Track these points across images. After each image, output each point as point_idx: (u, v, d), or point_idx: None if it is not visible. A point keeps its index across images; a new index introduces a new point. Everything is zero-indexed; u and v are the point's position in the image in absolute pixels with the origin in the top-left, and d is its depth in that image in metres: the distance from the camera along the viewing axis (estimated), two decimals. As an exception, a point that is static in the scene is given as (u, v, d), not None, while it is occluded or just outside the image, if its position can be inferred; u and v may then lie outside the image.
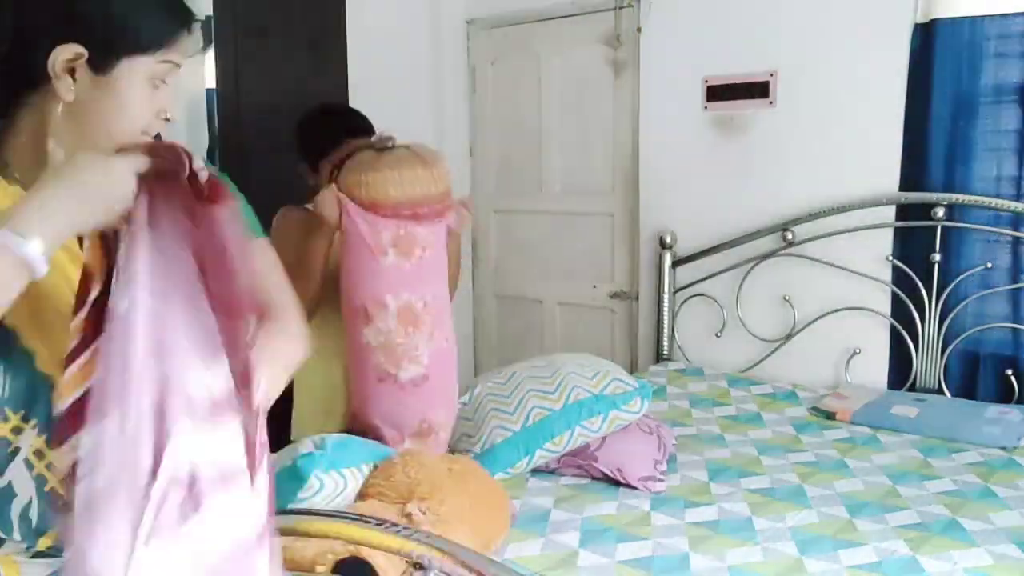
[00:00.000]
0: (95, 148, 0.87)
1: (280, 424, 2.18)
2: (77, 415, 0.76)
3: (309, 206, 2.20)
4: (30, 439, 0.91)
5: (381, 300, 1.93)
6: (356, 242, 1.92)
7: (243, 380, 0.83)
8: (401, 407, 1.97)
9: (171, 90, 0.94)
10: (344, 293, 1.98)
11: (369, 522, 1.18)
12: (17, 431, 0.90)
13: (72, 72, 0.89)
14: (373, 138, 2.01)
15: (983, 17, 2.54)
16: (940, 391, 2.71)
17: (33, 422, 0.90)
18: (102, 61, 0.90)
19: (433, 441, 2.05)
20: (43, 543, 0.93)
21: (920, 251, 2.71)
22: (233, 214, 0.85)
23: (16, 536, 0.92)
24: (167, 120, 0.95)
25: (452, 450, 2.17)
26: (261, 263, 1.09)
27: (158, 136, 0.96)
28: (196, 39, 0.95)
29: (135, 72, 0.91)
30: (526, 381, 2.31)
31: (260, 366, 0.87)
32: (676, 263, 3.20)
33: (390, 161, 1.91)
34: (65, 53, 0.88)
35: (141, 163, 0.81)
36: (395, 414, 1.97)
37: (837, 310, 2.88)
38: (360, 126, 2.23)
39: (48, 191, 0.77)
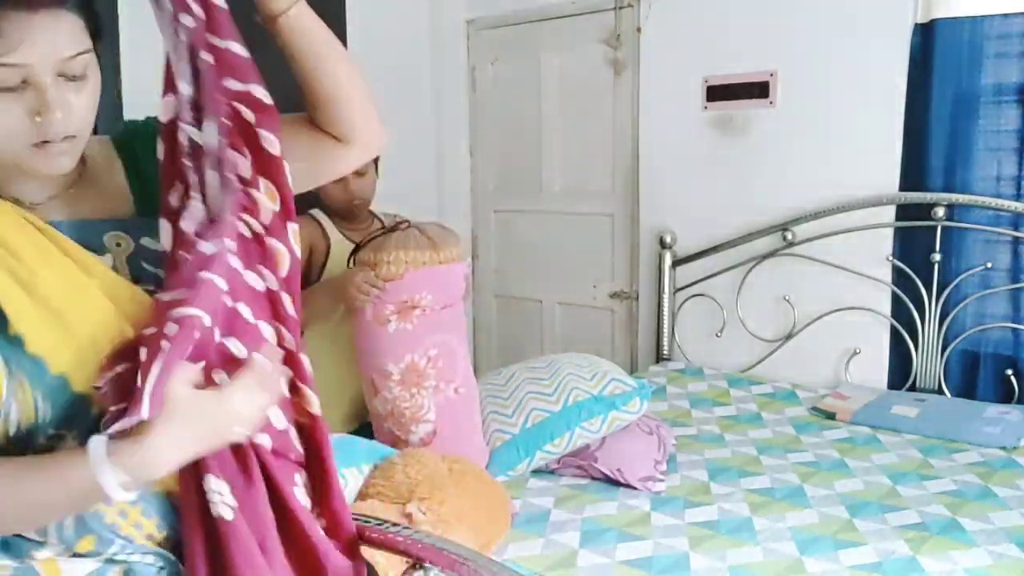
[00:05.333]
0: None
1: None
2: None
3: (314, 212, 2.24)
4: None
5: (384, 369, 1.99)
6: (361, 318, 2.01)
7: None
8: None
9: (44, 90, 0.85)
10: (357, 364, 2.07)
11: (369, 522, 1.18)
12: (58, 438, 0.89)
13: None
14: (387, 221, 2.14)
15: (983, 17, 2.54)
16: (940, 391, 2.71)
17: (73, 434, 0.90)
18: None
19: None
20: (83, 546, 0.93)
21: (920, 251, 2.71)
22: None
23: (53, 540, 0.92)
24: (42, 123, 0.85)
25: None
26: None
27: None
28: (11, 31, 0.82)
29: None
30: (525, 383, 2.31)
31: None
32: (676, 263, 3.20)
33: (398, 241, 1.99)
34: None
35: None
36: None
37: (837, 310, 2.88)
38: None
39: (167, 441, 0.85)
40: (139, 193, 1.03)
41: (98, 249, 0.96)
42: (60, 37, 0.86)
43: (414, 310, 1.99)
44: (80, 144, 0.92)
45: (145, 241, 0.99)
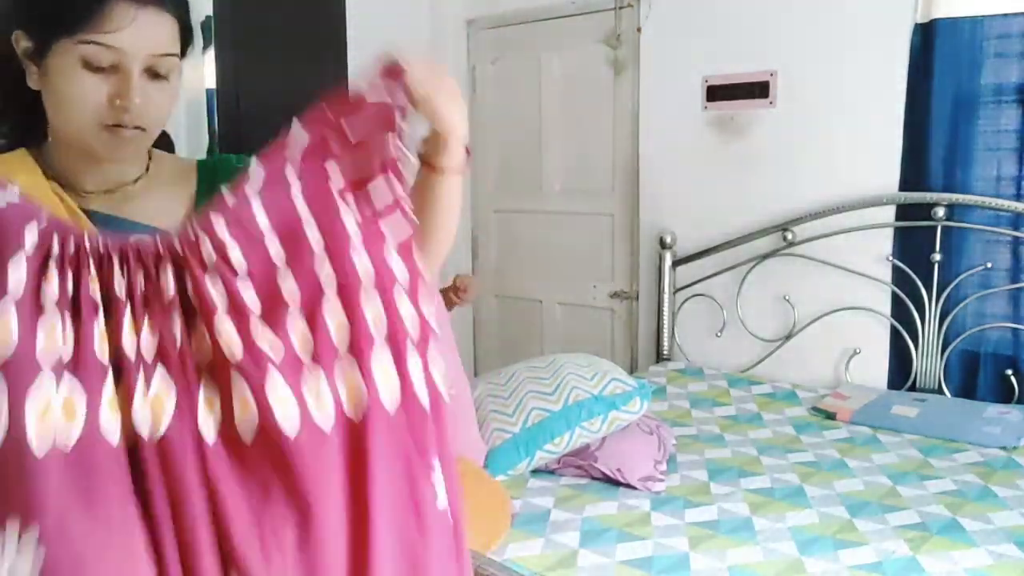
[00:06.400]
0: (65, 135, 0.94)
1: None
2: None
3: None
4: None
5: None
6: None
7: None
8: None
9: (129, 76, 0.91)
10: None
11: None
12: None
13: (32, 60, 0.93)
14: None
15: (983, 17, 2.54)
16: (940, 391, 2.71)
17: None
18: (38, 46, 0.92)
19: None
20: None
21: (920, 251, 2.71)
22: None
23: None
24: (120, 106, 0.91)
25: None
26: None
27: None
28: (119, 15, 0.89)
29: (64, 56, 0.90)
30: (525, 382, 2.31)
31: None
32: (676, 263, 3.20)
33: None
34: (21, 41, 0.93)
35: None
36: None
37: (837, 310, 2.88)
38: None
39: None
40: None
41: None
42: (157, 34, 0.93)
43: None
44: (147, 140, 0.97)
45: None
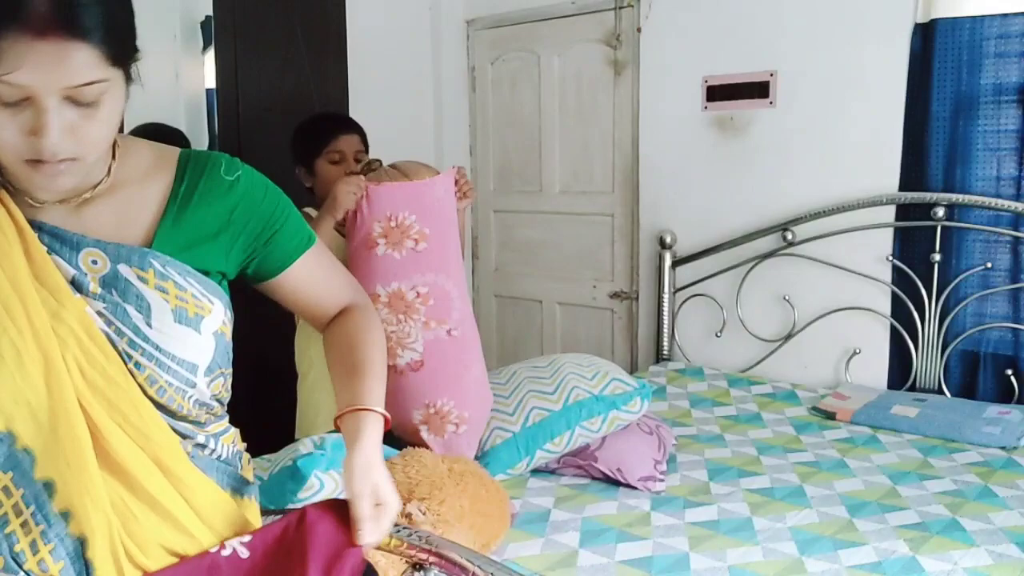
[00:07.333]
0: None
1: (282, 424, 2.18)
2: None
3: (308, 210, 2.27)
4: None
5: (372, 291, 2.02)
6: (350, 238, 2.07)
7: None
8: (401, 393, 2.05)
9: (43, 111, 0.83)
10: None
11: (369, 522, 1.18)
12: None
13: None
14: (360, 165, 2.18)
15: (983, 17, 2.54)
16: (940, 391, 2.71)
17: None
18: None
19: (456, 437, 2.10)
20: None
21: (920, 251, 2.71)
22: None
23: None
24: (33, 139, 0.83)
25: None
26: (325, 269, 1.18)
27: None
28: (11, 54, 0.80)
29: None
30: (526, 381, 2.31)
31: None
32: (676, 263, 3.20)
33: (370, 178, 2.08)
34: None
35: None
36: (396, 400, 2.01)
37: (837, 310, 2.88)
38: (353, 129, 2.30)
39: None
40: (173, 220, 0.99)
41: (69, 262, 0.93)
42: (68, 65, 0.83)
43: (404, 239, 2.02)
44: (84, 166, 0.89)
45: (122, 268, 0.94)
